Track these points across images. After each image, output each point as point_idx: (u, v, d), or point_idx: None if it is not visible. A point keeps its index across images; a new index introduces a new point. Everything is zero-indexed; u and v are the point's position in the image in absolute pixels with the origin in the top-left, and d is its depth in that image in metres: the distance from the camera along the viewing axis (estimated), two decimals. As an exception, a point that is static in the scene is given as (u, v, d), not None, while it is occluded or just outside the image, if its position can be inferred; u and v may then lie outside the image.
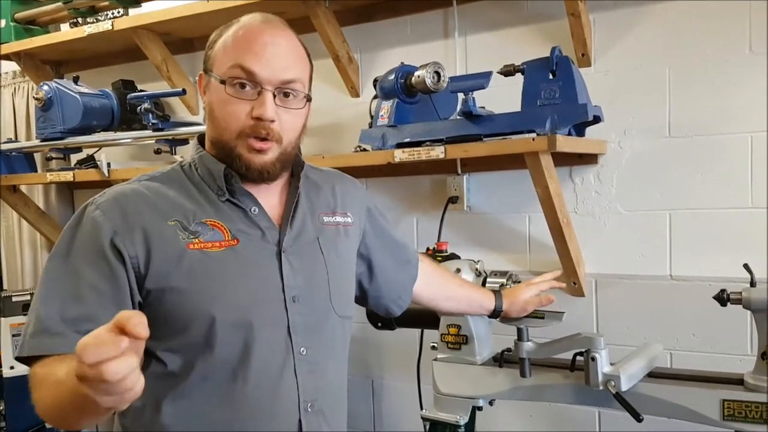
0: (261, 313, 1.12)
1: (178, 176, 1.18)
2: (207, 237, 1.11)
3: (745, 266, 1.36)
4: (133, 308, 1.07)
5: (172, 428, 1.10)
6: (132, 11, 2.58)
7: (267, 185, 1.18)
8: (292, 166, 1.23)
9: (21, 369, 2.05)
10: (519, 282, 1.62)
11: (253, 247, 1.14)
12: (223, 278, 1.09)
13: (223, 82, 1.10)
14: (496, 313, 1.56)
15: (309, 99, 1.18)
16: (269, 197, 1.20)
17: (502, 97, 1.89)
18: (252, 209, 1.16)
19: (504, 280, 1.60)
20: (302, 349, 1.15)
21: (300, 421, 1.15)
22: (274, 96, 1.10)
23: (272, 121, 1.10)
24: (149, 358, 1.10)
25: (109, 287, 1.05)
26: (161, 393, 1.10)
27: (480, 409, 1.65)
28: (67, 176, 2.61)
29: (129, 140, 2.58)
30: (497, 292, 1.57)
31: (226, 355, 1.09)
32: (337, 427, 1.23)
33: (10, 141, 2.89)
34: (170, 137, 2.45)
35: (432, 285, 1.50)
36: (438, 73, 1.87)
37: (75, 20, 2.70)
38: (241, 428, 1.11)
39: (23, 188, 3.03)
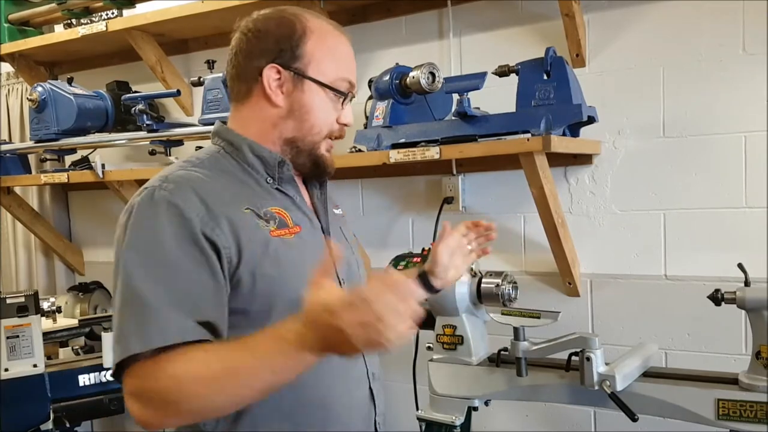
0: None
1: (224, 163, 1.18)
2: (279, 224, 1.14)
3: (740, 266, 1.36)
4: (225, 299, 1.08)
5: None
6: (126, 12, 2.57)
7: (297, 174, 1.23)
8: None
9: (15, 371, 2.04)
10: (514, 282, 1.62)
11: (311, 234, 1.20)
12: (300, 264, 1.12)
13: (332, 89, 1.17)
14: (423, 275, 1.38)
15: None
16: (301, 187, 1.26)
17: (497, 97, 1.90)
18: (297, 197, 1.21)
19: (499, 281, 1.60)
20: None
21: (371, 388, 1.23)
22: None
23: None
24: None
25: (207, 277, 1.05)
26: None
27: (476, 409, 1.65)
28: (62, 177, 2.60)
29: (123, 141, 2.57)
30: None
31: None
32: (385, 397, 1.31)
33: (4, 142, 2.88)
34: (165, 138, 2.44)
35: None
36: (433, 74, 1.87)
37: (69, 21, 2.69)
38: (330, 394, 1.15)
39: (17, 190, 3.02)
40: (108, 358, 0.98)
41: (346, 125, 1.22)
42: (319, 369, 1.07)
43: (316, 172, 1.23)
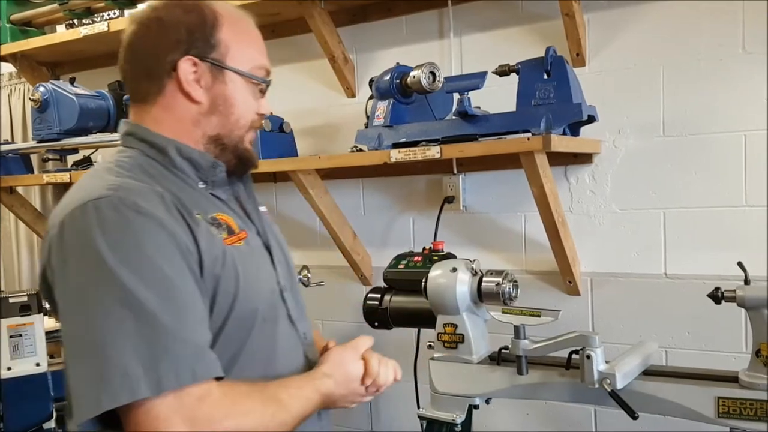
0: (277, 304, 1.14)
1: (150, 169, 1.06)
2: (226, 231, 1.06)
3: (739, 264, 1.37)
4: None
5: None
6: (128, 12, 2.57)
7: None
8: None
9: (18, 370, 2.05)
10: (515, 281, 1.62)
11: (254, 240, 1.13)
12: (253, 273, 1.08)
13: (253, 78, 1.11)
14: None
15: None
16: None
17: (498, 97, 1.90)
18: (230, 202, 1.14)
19: (500, 279, 1.60)
20: (303, 333, 1.19)
21: (305, 354, 1.20)
22: None
23: None
24: None
25: (194, 283, 0.97)
26: None
27: (476, 407, 1.65)
28: (64, 177, 2.61)
29: (125, 141, 2.57)
30: None
31: (259, 346, 1.08)
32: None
33: (6, 142, 2.89)
34: (166, 138, 2.45)
35: None
36: (433, 74, 1.88)
37: (71, 22, 2.69)
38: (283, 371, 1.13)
39: (20, 189, 3.03)
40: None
41: (263, 115, 1.16)
42: (278, 351, 1.11)
43: (241, 168, 1.14)
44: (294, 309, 1.18)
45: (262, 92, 1.14)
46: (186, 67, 1.06)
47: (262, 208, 1.25)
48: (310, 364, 1.18)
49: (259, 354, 1.08)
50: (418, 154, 1.89)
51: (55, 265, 0.95)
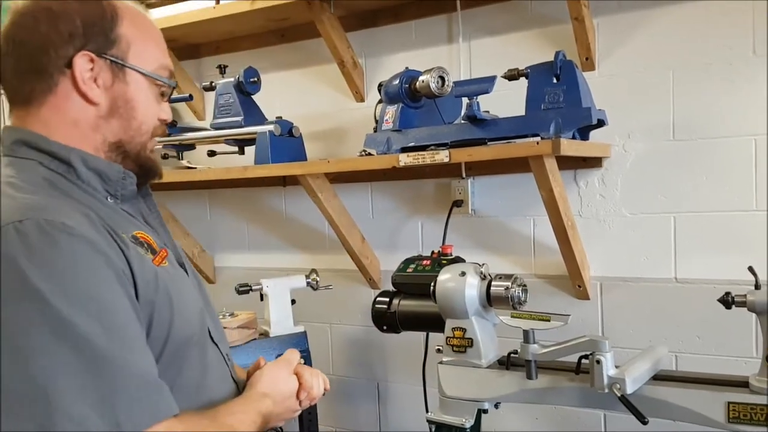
0: (202, 327, 1.06)
1: (54, 182, 0.94)
2: (151, 251, 0.96)
3: (750, 269, 1.36)
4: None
5: None
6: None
7: None
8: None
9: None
10: (524, 285, 1.62)
11: (173, 260, 1.04)
12: (183, 295, 1.00)
13: (157, 79, 1.01)
14: None
15: None
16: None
17: (507, 101, 1.90)
18: (139, 217, 1.05)
19: (509, 283, 1.60)
20: (226, 354, 1.15)
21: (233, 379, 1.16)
22: None
23: None
24: None
25: (134, 314, 0.89)
26: None
27: (485, 411, 1.65)
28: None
29: (136, 145, 2.59)
30: None
31: (192, 373, 1.02)
32: None
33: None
34: (177, 142, 2.46)
35: None
36: (442, 78, 1.88)
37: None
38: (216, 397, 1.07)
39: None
40: None
41: (165, 121, 1.05)
42: (209, 375, 1.06)
43: (145, 178, 1.05)
44: (214, 330, 1.11)
45: (164, 95, 1.04)
46: (82, 63, 0.94)
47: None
48: (237, 386, 1.14)
49: (193, 381, 1.01)
50: (427, 158, 1.89)
51: None
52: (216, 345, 1.10)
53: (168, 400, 0.87)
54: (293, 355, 1.20)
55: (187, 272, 1.09)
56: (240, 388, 1.14)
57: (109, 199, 0.98)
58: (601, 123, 1.83)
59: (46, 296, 0.78)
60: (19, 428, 0.74)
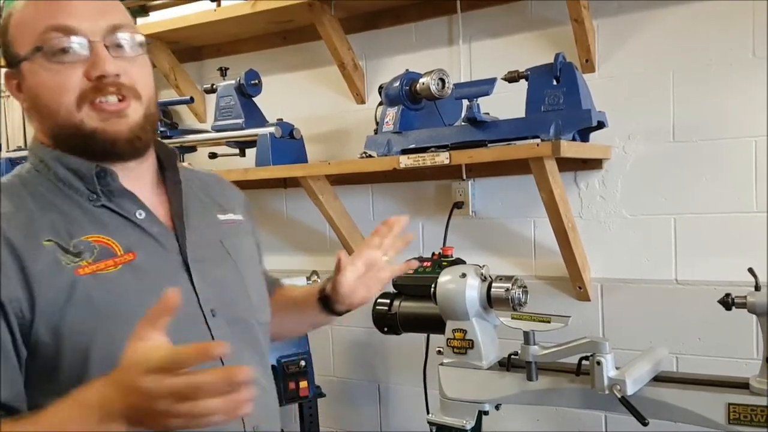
0: (185, 336, 0.86)
1: (26, 187, 0.95)
2: (95, 256, 0.90)
3: (750, 270, 1.36)
4: (20, 364, 0.87)
5: None
6: (140, 20, 2.60)
7: (141, 178, 1.01)
8: (161, 154, 1.06)
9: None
10: (525, 287, 1.63)
11: (153, 260, 0.96)
12: (130, 303, 0.89)
13: (38, 49, 0.90)
14: (324, 298, 1.23)
15: (146, 44, 0.99)
16: (149, 194, 1.02)
17: (507, 103, 1.91)
18: (137, 213, 0.97)
19: (509, 285, 1.60)
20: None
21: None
22: (108, 48, 0.92)
23: (117, 75, 0.92)
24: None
25: None
26: None
27: (486, 413, 1.65)
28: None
29: (137, 148, 2.60)
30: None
31: None
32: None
33: (19, 149, 2.92)
34: (178, 145, 2.47)
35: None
36: (443, 80, 1.89)
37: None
38: None
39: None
40: None
41: (100, 77, 0.91)
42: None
43: (111, 151, 0.94)
44: (222, 337, 0.97)
45: (71, 52, 0.90)
46: (7, 82, 0.97)
47: (226, 216, 1.12)
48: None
49: None
50: (428, 160, 1.89)
51: None
52: (220, 359, 0.93)
53: None
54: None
55: (191, 276, 0.98)
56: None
57: (90, 198, 0.95)
58: (601, 125, 1.84)
59: None
60: None
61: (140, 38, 0.96)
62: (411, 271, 1.21)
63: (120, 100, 0.93)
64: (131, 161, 0.97)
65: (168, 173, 1.05)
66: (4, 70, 0.96)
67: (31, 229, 0.89)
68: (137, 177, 1.00)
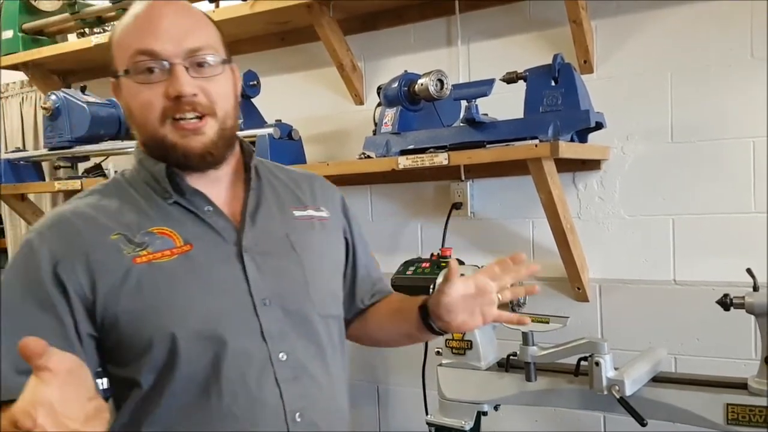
0: (229, 322, 1.02)
1: (118, 186, 1.10)
2: (155, 247, 1.02)
3: (748, 271, 1.37)
4: (81, 341, 1.00)
5: None
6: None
7: (217, 179, 1.10)
8: (244, 154, 1.16)
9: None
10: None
11: (209, 250, 1.05)
12: (180, 289, 1.01)
13: (127, 72, 1.03)
14: (424, 308, 1.18)
15: (228, 62, 1.09)
16: (223, 193, 1.11)
17: (505, 104, 1.91)
18: (205, 209, 1.07)
19: (508, 286, 1.60)
20: (281, 354, 1.05)
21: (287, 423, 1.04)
22: (187, 69, 1.02)
23: (194, 95, 1.02)
24: (121, 385, 1.04)
25: (48, 318, 0.98)
26: (139, 417, 1.03)
27: (485, 414, 1.65)
28: (75, 185, 2.63)
29: (136, 149, 2.60)
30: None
31: (194, 370, 1.00)
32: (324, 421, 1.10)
33: (17, 150, 2.92)
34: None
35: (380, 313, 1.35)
36: (441, 81, 1.89)
37: (82, 30, 2.72)
38: None
39: (31, 197, 3.06)
40: None
41: (178, 97, 1.01)
42: (206, 420, 1.00)
43: (186, 163, 1.05)
44: (274, 326, 1.05)
45: (154, 73, 1.02)
46: (112, 89, 1.10)
47: (302, 212, 1.18)
48: (280, 388, 1.04)
49: (196, 375, 1.01)
50: (426, 160, 1.89)
51: None
52: (265, 341, 1.04)
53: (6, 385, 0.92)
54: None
55: (244, 264, 1.05)
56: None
57: (165, 195, 1.06)
58: (599, 125, 1.84)
59: None
60: None
61: (219, 58, 1.06)
62: (527, 323, 1.13)
63: (199, 118, 1.03)
64: (207, 170, 1.09)
65: (247, 173, 1.14)
66: (111, 80, 1.09)
67: (107, 222, 1.03)
68: (213, 179, 1.10)
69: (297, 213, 1.17)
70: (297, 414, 1.05)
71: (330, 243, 1.22)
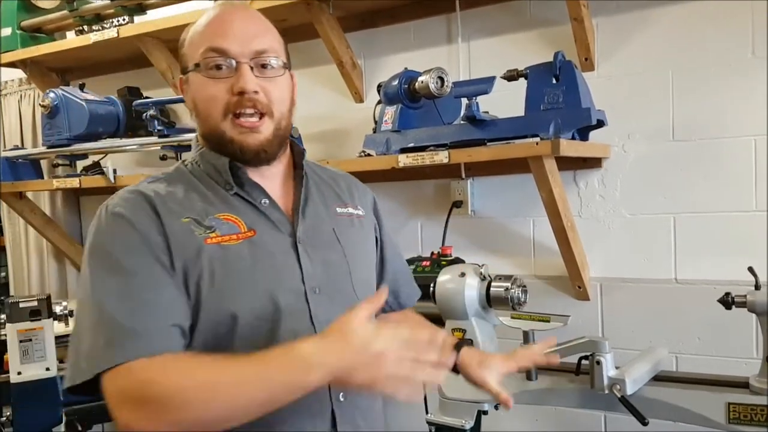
0: (284, 306, 1.09)
1: (182, 175, 1.17)
2: (223, 231, 1.09)
3: (750, 269, 1.36)
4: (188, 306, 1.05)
5: None
6: (137, 19, 2.60)
7: (272, 175, 1.18)
8: (294, 154, 1.24)
9: (28, 375, 2.05)
10: (524, 286, 1.62)
11: (269, 238, 1.12)
12: (244, 271, 1.08)
13: (197, 65, 1.11)
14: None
15: (288, 68, 1.17)
16: (276, 188, 1.19)
17: (506, 101, 1.90)
18: (262, 201, 1.15)
19: (508, 284, 1.60)
20: None
21: (333, 413, 1.11)
22: (252, 69, 1.11)
23: (255, 92, 1.10)
24: None
25: (161, 272, 1.04)
26: None
27: (485, 413, 1.65)
28: (74, 183, 2.63)
29: (135, 147, 2.59)
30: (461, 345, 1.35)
31: (250, 349, 1.03)
32: (374, 422, 1.21)
33: (16, 148, 2.91)
34: (175, 143, 2.46)
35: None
36: (441, 79, 1.88)
37: (81, 28, 2.72)
38: (273, 425, 1.04)
39: (29, 195, 3.05)
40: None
41: (241, 93, 1.09)
42: None
43: (241, 158, 1.14)
44: (322, 313, 1.12)
45: (222, 70, 1.10)
46: (179, 85, 1.19)
47: (344, 210, 1.26)
48: None
49: (248, 351, 1.03)
50: (426, 159, 1.89)
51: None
52: (314, 326, 1.10)
53: (141, 346, 0.98)
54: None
55: (299, 255, 1.13)
56: None
57: (226, 186, 1.13)
58: (600, 123, 1.83)
59: (89, 266, 1.05)
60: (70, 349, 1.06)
61: (281, 62, 1.15)
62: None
63: (258, 117, 1.11)
64: (260, 165, 1.17)
65: (297, 171, 1.23)
66: (180, 76, 1.18)
67: (176, 207, 1.10)
68: (269, 175, 1.18)
69: (339, 210, 1.26)
70: (341, 394, 1.12)
71: (367, 239, 1.31)
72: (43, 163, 3.00)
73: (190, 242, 1.06)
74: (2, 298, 2.39)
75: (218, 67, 1.10)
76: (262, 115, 1.11)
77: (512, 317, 1.58)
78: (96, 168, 2.70)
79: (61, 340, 2.37)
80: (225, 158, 1.13)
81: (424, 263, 1.79)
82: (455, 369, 1.29)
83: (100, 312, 1.01)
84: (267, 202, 1.15)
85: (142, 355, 0.97)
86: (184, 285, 1.05)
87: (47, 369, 2.09)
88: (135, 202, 1.10)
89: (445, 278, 1.61)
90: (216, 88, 1.10)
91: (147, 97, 2.62)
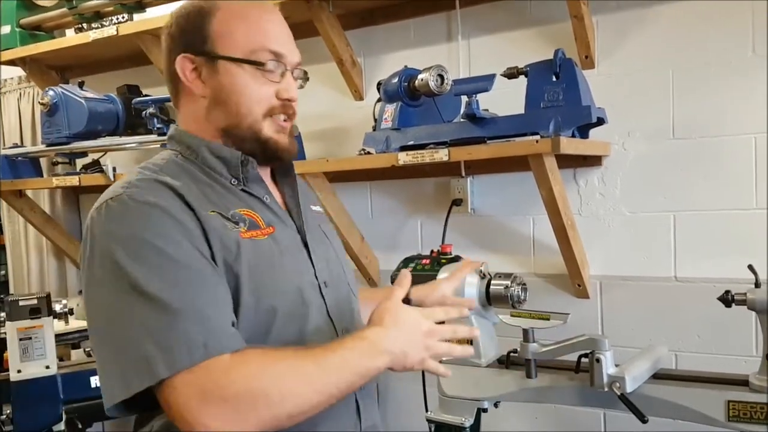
0: (308, 300, 1.11)
1: (180, 167, 1.11)
2: (248, 226, 1.08)
3: (750, 267, 1.36)
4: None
5: None
6: (137, 16, 2.59)
7: (265, 174, 1.19)
8: None
9: (28, 373, 2.06)
10: (524, 284, 1.62)
11: (286, 235, 1.14)
12: (277, 266, 1.08)
13: (248, 62, 1.09)
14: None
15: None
16: (269, 185, 1.19)
17: (506, 99, 1.90)
18: (264, 197, 1.15)
19: (508, 282, 1.60)
20: (342, 330, 1.16)
21: (357, 403, 1.17)
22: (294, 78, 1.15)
23: (295, 100, 1.14)
24: None
25: (209, 266, 1.00)
26: None
27: (485, 410, 1.65)
28: (73, 181, 2.63)
29: (134, 145, 2.59)
30: None
31: (281, 344, 1.05)
32: (376, 412, 1.26)
33: (15, 146, 2.91)
34: (175, 141, 2.46)
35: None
36: (441, 76, 1.88)
37: (80, 26, 2.71)
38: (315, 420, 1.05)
39: (29, 193, 3.05)
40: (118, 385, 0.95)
41: (289, 100, 1.12)
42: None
43: (268, 157, 1.15)
44: (334, 306, 1.16)
45: (275, 74, 1.11)
46: (183, 64, 1.11)
47: (316, 208, 1.31)
48: None
49: (282, 345, 1.06)
50: (426, 157, 1.89)
51: (82, 262, 1.04)
52: (331, 320, 1.14)
53: (222, 339, 0.95)
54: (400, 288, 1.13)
55: (309, 251, 1.16)
56: None
57: (232, 182, 1.12)
58: (600, 121, 1.83)
59: (121, 261, 0.96)
60: (106, 362, 0.98)
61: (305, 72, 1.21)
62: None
63: (287, 120, 1.15)
64: (288, 161, 1.20)
65: (280, 169, 1.23)
66: (182, 55, 1.10)
67: (202, 200, 1.06)
68: (264, 171, 1.18)
69: (313, 207, 1.29)
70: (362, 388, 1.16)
71: (334, 234, 1.34)
72: (43, 162, 3.00)
73: (227, 236, 1.03)
74: (2, 296, 2.39)
75: (270, 70, 1.10)
76: (290, 118, 1.15)
77: (512, 315, 1.58)
78: (95, 166, 2.70)
79: (60, 339, 2.37)
80: (237, 152, 1.12)
81: (424, 261, 1.79)
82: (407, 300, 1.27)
83: (163, 308, 0.93)
84: (269, 198, 1.16)
85: (224, 351, 0.94)
86: (227, 278, 1.02)
87: (47, 367, 2.09)
88: (161, 190, 1.03)
89: (444, 276, 1.61)
90: (262, 89, 1.10)
91: (146, 95, 2.61)
